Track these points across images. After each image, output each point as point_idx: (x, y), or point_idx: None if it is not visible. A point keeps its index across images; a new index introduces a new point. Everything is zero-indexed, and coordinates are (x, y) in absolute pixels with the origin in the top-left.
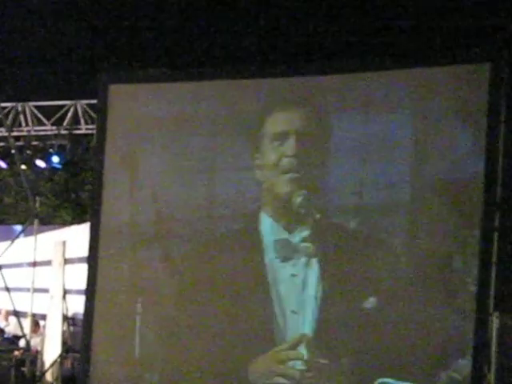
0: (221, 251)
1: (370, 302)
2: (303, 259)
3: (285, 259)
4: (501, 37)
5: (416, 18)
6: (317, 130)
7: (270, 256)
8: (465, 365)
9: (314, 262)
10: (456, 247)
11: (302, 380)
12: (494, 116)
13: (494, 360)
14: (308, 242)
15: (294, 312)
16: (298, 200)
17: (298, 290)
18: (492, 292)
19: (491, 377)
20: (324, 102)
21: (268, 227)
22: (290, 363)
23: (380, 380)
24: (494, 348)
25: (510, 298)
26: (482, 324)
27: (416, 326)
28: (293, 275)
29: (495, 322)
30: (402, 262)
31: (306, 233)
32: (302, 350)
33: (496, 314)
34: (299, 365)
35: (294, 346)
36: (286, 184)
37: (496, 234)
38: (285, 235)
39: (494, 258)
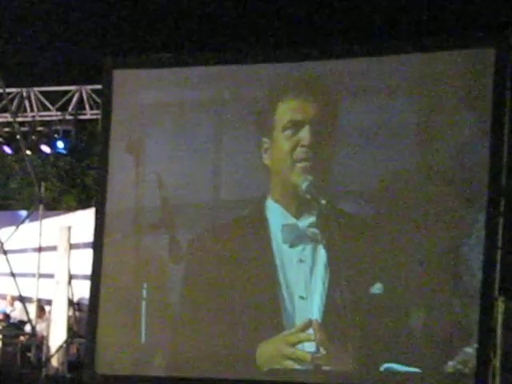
0: (227, 236)
1: (377, 287)
2: (311, 244)
3: (292, 244)
4: (506, 22)
5: (421, 3)
6: (327, 118)
7: (277, 241)
8: (470, 355)
9: (322, 247)
10: (461, 232)
11: (312, 363)
12: (499, 101)
13: (499, 345)
14: (315, 228)
15: (302, 297)
16: (304, 185)
17: (305, 275)
18: (497, 277)
19: (497, 362)
20: (333, 88)
21: (275, 213)
22: (301, 346)
23: (386, 365)
24: (499, 333)
25: None
26: (487, 309)
27: (421, 311)
28: (300, 260)
29: (500, 307)
30: (408, 247)
31: (312, 218)
32: (312, 335)
33: (501, 298)
34: (309, 348)
35: (304, 330)
36: (298, 172)
37: (501, 220)
38: (292, 220)
39: (499, 243)
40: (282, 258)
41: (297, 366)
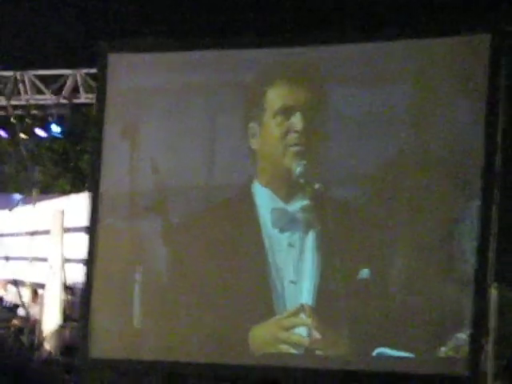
0: (218, 220)
1: (368, 272)
2: (300, 229)
3: (282, 229)
4: (501, 8)
5: None
6: (319, 103)
7: (266, 225)
8: (463, 341)
9: (312, 232)
10: (454, 218)
11: (307, 347)
12: (494, 87)
13: (492, 331)
14: (306, 212)
15: (292, 282)
16: (298, 170)
17: (295, 259)
18: (491, 263)
19: (489, 348)
20: (325, 74)
21: (263, 197)
22: (295, 330)
23: (379, 350)
24: (492, 319)
25: (509, 270)
26: (480, 295)
27: (414, 296)
28: (290, 245)
29: (493, 293)
30: (401, 233)
31: (304, 203)
32: (305, 319)
33: (494, 285)
34: (304, 332)
35: (297, 314)
36: (290, 156)
37: (495, 206)
38: (281, 205)
39: (493, 230)
40: (271, 242)
41: (291, 351)
